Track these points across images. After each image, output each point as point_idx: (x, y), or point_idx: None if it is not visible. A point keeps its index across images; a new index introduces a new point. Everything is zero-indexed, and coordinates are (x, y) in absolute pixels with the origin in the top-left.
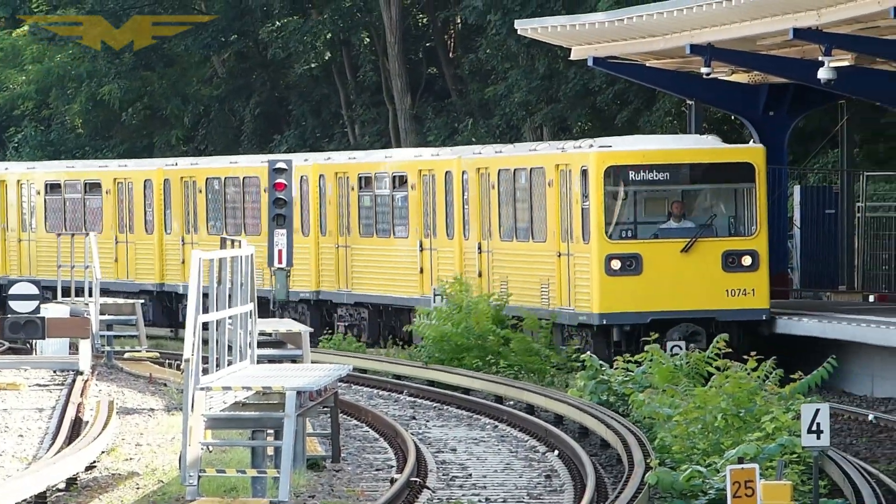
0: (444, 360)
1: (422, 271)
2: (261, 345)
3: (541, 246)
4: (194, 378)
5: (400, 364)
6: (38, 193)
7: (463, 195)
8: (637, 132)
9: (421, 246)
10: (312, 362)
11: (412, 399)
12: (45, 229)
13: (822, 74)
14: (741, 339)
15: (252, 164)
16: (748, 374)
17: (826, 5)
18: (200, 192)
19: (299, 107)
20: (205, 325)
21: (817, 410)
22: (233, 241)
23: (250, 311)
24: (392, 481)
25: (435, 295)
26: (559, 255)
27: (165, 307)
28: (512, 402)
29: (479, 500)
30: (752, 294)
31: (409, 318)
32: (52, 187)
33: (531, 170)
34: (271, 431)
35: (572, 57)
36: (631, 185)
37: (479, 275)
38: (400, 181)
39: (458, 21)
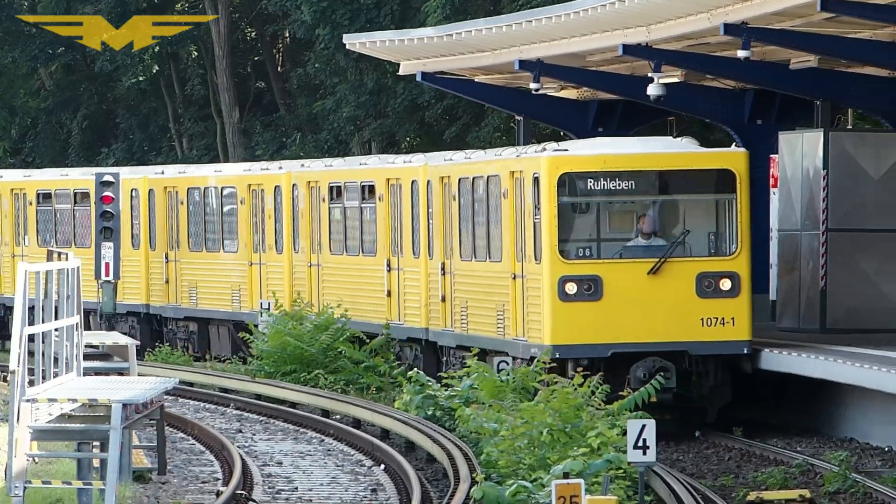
0: (284, 373)
1: (389, 294)
2: (87, 357)
3: (497, 267)
4: (20, 390)
5: (227, 377)
6: (31, 204)
7: (428, 208)
8: (465, 147)
9: (388, 265)
10: (139, 375)
11: (239, 412)
12: (36, 244)
13: (651, 91)
14: (719, 376)
15: (234, 173)
16: (575, 389)
17: (656, 21)
18: (182, 203)
19: (127, 120)
20: (32, 337)
21: (643, 426)
22: (59, 254)
23: (77, 324)
24: (218, 494)
25: (262, 308)
26: (514, 278)
27: (154, 330)
28: (338, 417)
29: None
30: (731, 324)
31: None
32: (44, 197)
33: (488, 178)
34: (97, 443)
35: (401, 72)
36: (590, 196)
37: (443, 299)
38: (369, 191)
39: (287, 35)
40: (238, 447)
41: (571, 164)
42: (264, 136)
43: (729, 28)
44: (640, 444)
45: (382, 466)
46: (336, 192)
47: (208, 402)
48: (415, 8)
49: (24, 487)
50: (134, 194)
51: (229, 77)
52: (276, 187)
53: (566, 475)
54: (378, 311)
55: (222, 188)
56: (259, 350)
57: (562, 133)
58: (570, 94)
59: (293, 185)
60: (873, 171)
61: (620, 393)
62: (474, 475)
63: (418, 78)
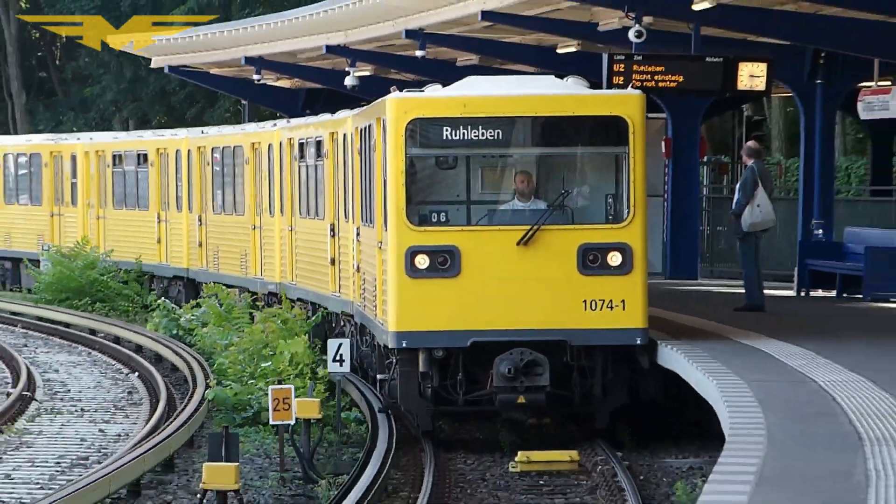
0: (60, 301)
1: (333, 263)
2: None
3: (373, 233)
4: None
5: (15, 303)
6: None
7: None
8: (203, 125)
9: (332, 231)
10: None
11: (25, 331)
12: (3, 200)
13: (348, 81)
14: (609, 372)
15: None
16: (292, 316)
17: (352, 27)
18: (108, 167)
19: None
20: None
21: (340, 344)
22: None
23: None
24: (8, 395)
25: (43, 249)
26: (380, 247)
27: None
28: (103, 334)
29: (76, 409)
30: (621, 307)
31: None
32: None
33: (368, 127)
34: None
35: (153, 65)
36: (447, 148)
37: (332, 262)
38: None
39: (63, 36)
40: (24, 358)
41: (423, 107)
42: (45, 115)
43: (409, 33)
44: (338, 358)
45: (137, 374)
46: (300, 149)
47: (0, 322)
48: (162, 15)
49: None
50: (178, 158)
51: (18, 68)
52: (269, 146)
53: (280, 381)
54: (322, 282)
55: (224, 148)
56: (40, 281)
57: (278, 115)
58: (285, 83)
59: (279, 144)
60: None
61: (481, 393)
62: (208, 381)
63: (166, 70)
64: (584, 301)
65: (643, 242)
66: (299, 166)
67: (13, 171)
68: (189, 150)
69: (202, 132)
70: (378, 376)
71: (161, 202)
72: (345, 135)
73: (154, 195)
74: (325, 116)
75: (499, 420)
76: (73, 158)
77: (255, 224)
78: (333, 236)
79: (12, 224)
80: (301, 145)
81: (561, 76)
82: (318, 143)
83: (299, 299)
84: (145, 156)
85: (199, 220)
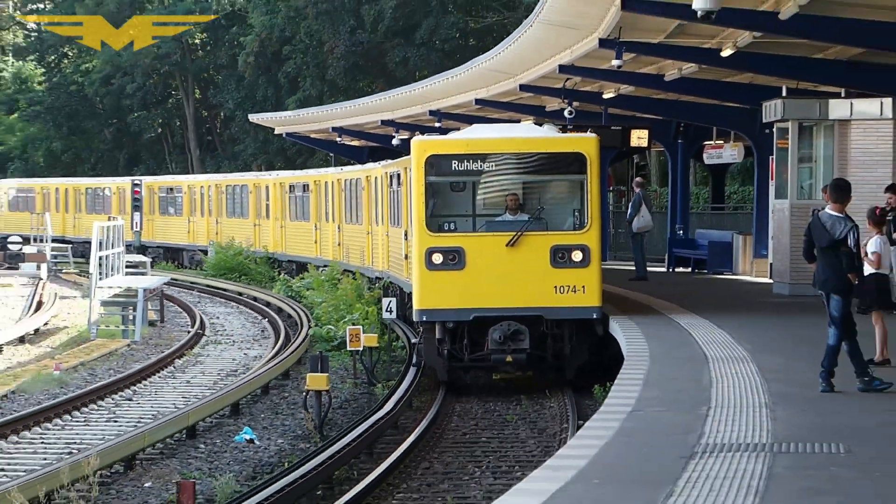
0: (221, 275)
1: (407, 258)
2: (128, 266)
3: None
4: (95, 282)
5: (193, 276)
6: (286, 192)
7: (409, 192)
8: (306, 168)
9: (406, 235)
10: (151, 275)
11: (199, 293)
12: (225, 215)
13: (394, 142)
14: (574, 338)
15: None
16: (369, 288)
17: (396, 108)
18: (286, 193)
19: (146, 154)
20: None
21: (390, 301)
22: (111, 217)
23: (121, 252)
24: (188, 332)
25: (210, 244)
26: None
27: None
28: (246, 295)
29: (230, 341)
30: (582, 291)
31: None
32: (292, 188)
33: (407, 167)
34: (131, 307)
35: (276, 132)
36: (455, 176)
37: (406, 257)
38: (398, 179)
39: (222, 114)
40: (198, 310)
41: (437, 147)
42: (210, 164)
43: (431, 112)
44: (389, 309)
45: (266, 319)
46: (390, 180)
47: (184, 288)
48: (281, 101)
49: (97, 328)
50: (326, 187)
51: (194, 133)
52: (375, 178)
53: (354, 323)
54: (401, 271)
55: (351, 180)
56: (208, 263)
57: (352, 162)
58: (356, 143)
59: (380, 176)
60: None
61: (480, 354)
62: (310, 323)
63: (284, 135)
64: (555, 287)
65: (598, 244)
66: (390, 191)
67: (231, 197)
68: (332, 182)
69: (340, 170)
70: (412, 340)
71: (317, 216)
72: (409, 169)
73: (313, 211)
74: (407, 157)
75: (494, 374)
76: (267, 188)
77: (368, 231)
78: (406, 240)
79: (230, 230)
80: (391, 177)
81: (539, 123)
82: (398, 176)
83: (391, 282)
84: (307, 185)
85: (338, 228)
